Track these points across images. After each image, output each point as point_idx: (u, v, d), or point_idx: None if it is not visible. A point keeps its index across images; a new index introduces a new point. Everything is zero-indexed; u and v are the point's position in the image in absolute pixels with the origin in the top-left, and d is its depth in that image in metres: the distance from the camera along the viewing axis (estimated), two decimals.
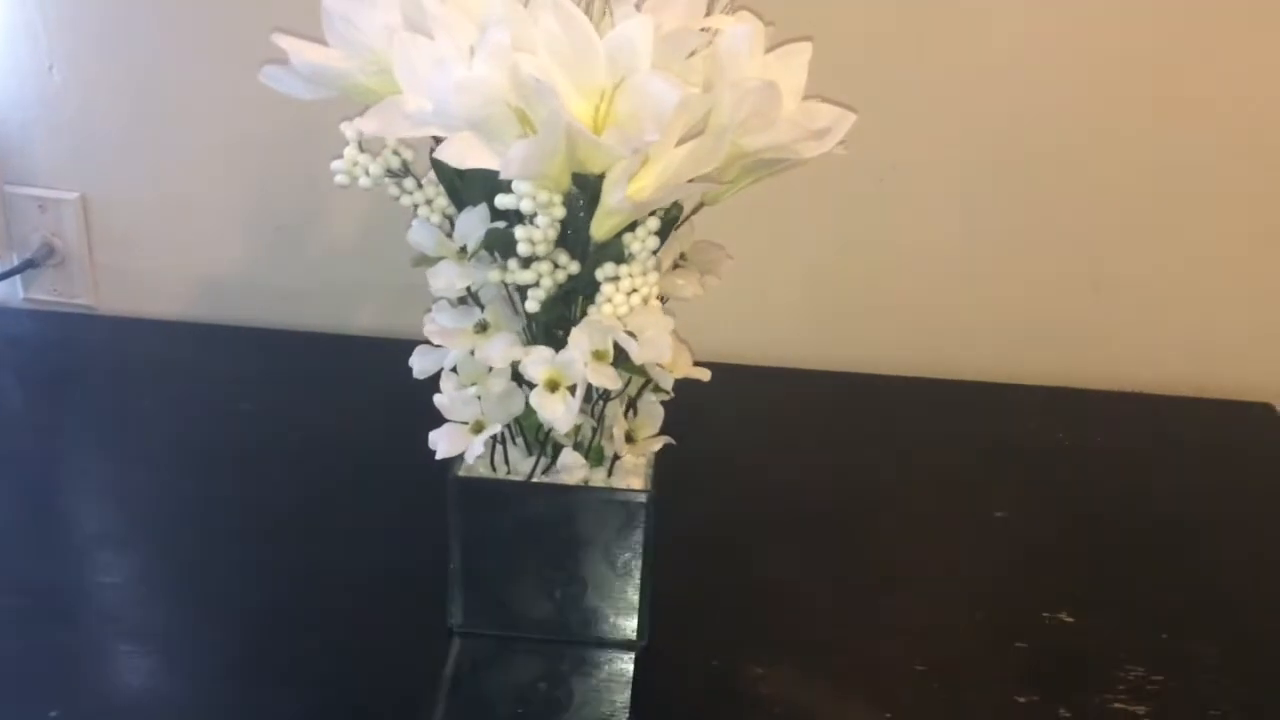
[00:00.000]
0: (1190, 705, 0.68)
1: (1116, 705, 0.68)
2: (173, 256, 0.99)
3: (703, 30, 0.56)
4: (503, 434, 0.66)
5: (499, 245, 0.60)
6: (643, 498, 0.65)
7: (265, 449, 0.86)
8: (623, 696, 0.67)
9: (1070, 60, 0.88)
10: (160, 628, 0.71)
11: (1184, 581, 0.78)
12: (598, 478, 0.66)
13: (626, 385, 0.65)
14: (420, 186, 0.64)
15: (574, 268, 0.60)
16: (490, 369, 0.63)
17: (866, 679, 0.69)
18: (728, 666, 0.69)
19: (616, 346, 0.60)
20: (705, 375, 0.64)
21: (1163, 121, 0.90)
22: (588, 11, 0.56)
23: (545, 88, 0.51)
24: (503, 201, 0.57)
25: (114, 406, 0.91)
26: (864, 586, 0.77)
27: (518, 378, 0.63)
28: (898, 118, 0.89)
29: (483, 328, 0.63)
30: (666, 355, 0.59)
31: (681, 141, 0.56)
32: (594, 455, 0.67)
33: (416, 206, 0.64)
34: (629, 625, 0.69)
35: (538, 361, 0.60)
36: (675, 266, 0.66)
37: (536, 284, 0.59)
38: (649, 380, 0.65)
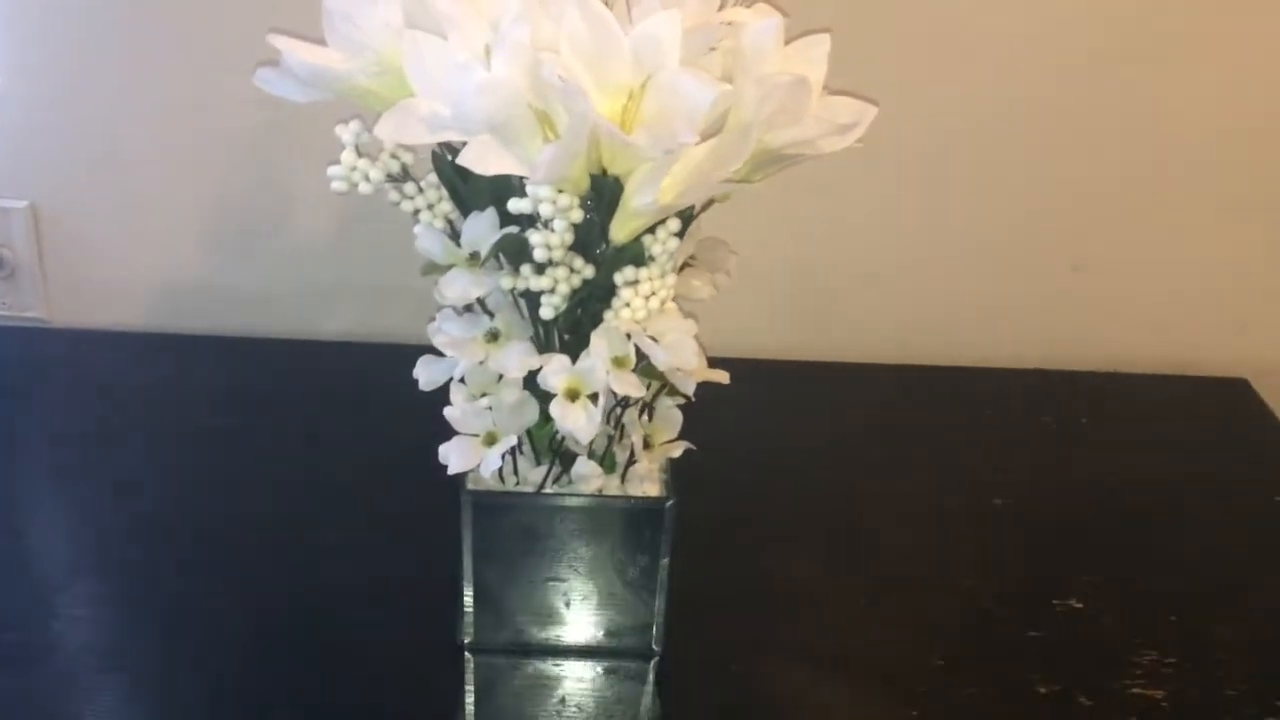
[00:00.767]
0: (1206, 687, 0.69)
1: (1135, 690, 0.68)
2: (130, 264, 0.95)
3: (726, 24, 0.54)
4: None
5: (510, 250, 0.58)
6: (664, 504, 0.63)
7: (242, 465, 0.82)
8: (643, 707, 0.66)
9: (1047, 45, 0.88)
10: (141, 659, 0.67)
11: (1182, 561, 0.79)
12: (612, 485, 0.65)
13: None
14: (421, 191, 0.61)
15: (589, 272, 0.58)
16: (500, 378, 0.61)
17: (887, 677, 0.69)
18: (746, 671, 0.68)
19: (637, 351, 0.59)
20: (724, 378, 0.62)
21: (1139, 105, 0.90)
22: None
23: (573, 88, 0.49)
24: (517, 206, 0.55)
25: (73, 426, 0.86)
26: (873, 582, 0.76)
27: (529, 386, 0.61)
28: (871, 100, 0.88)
29: (493, 336, 0.61)
30: (693, 360, 0.58)
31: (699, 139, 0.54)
32: (607, 463, 0.65)
33: (418, 211, 0.61)
34: (646, 634, 0.67)
35: (557, 370, 0.58)
36: (685, 267, 0.65)
37: (552, 290, 0.57)
38: (665, 384, 0.63)
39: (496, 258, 0.59)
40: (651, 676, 0.67)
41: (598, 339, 0.58)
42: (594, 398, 0.58)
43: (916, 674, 0.69)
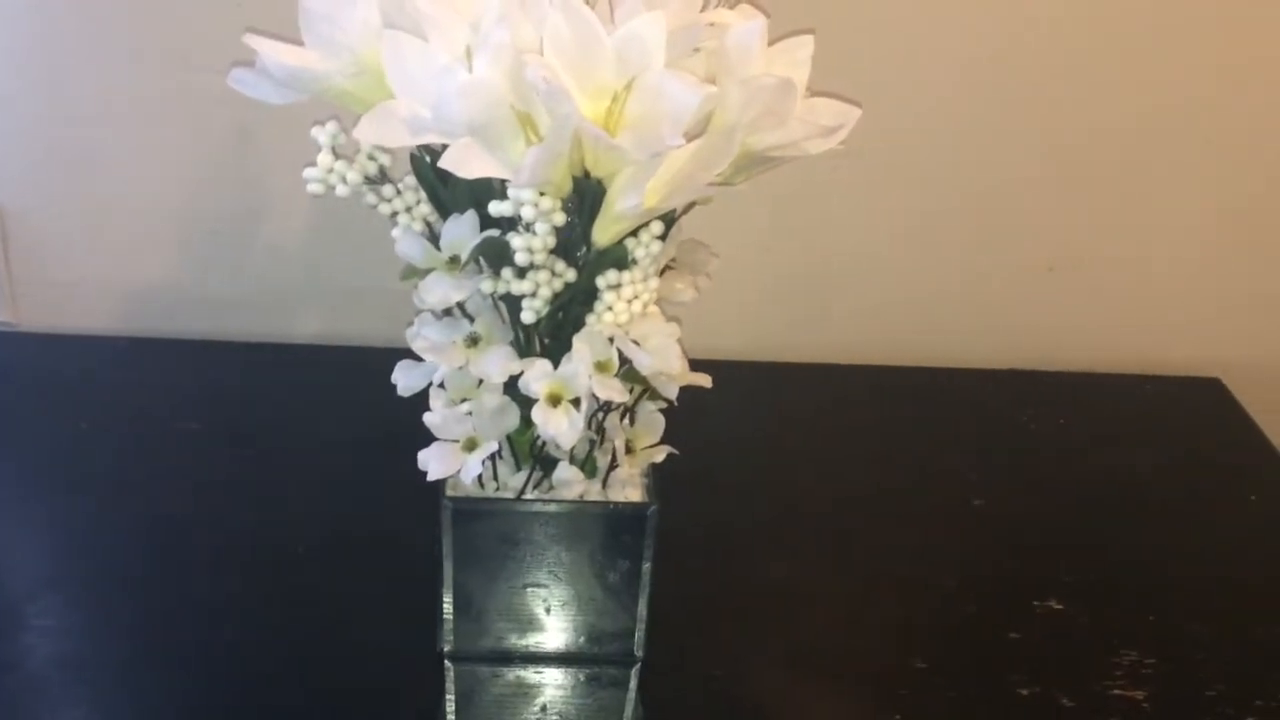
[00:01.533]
0: (1186, 686, 0.69)
1: (1116, 692, 0.68)
2: (98, 266, 0.93)
3: (709, 25, 0.54)
4: None
5: (490, 254, 0.57)
6: (647, 510, 0.63)
7: (215, 470, 0.81)
8: (626, 713, 0.66)
9: (1023, 45, 0.88)
10: (113, 673, 0.66)
11: (1160, 560, 0.79)
12: (593, 490, 0.64)
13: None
14: (399, 193, 0.60)
15: (571, 275, 0.57)
16: (481, 383, 0.60)
17: (869, 681, 0.69)
18: (729, 676, 0.68)
19: (619, 355, 0.58)
20: (707, 381, 0.62)
21: (1114, 106, 0.90)
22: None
23: (557, 90, 0.48)
24: (498, 208, 0.54)
25: (42, 432, 0.84)
26: (853, 585, 0.76)
27: (510, 391, 0.61)
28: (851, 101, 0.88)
29: (473, 341, 0.60)
30: (677, 365, 0.57)
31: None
32: (588, 468, 0.64)
33: (396, 214, 0.60)
34: (629, 640, 0.67)
35: (539, 375, 0.58)
36: (666, 269, 0.64)
37: (534, 294, 0.56)
38: (647, 388, 0.62)
39: (476, 261, 0.59)
40: (634, 683, 0.67)
41: (580, 343, 0.57)
42: (576, 403, 0.58)
43: (898, 677, 0.69)
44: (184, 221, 0.92)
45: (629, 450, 0.63)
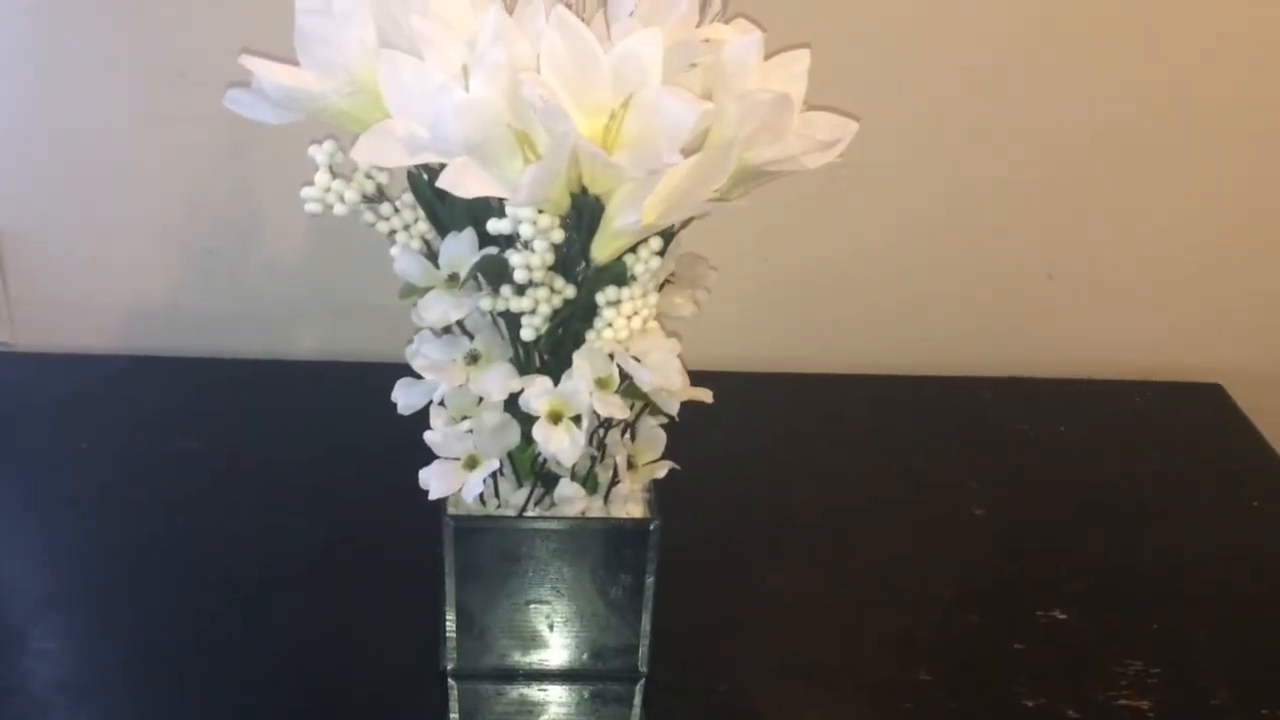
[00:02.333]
0: (1191, 695, 0.69)
1: (1121, 702, 0.68)
2: (95, 285, 0.93)
3: (704, 41, 0.54)
4: None
5: (489, 271, 0.57)
6: (649, 526, 0.63)
7: (215, 489, 0.81)
8: None
9: (1021, 52, 0.88)
10: (113, 697, 0.66)
11: (1160, 567, 0.79)
12: (595, 506, 0.64)
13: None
14: (397, 211, 0.60)
15: (570, 292, 0.57)
16: (481, 401, 0.60)
17: (873, 694, 0.68)
18: (733, 690, 0.68)
19: (620, 372, 0.58)
20: (708, 396, 0.62)
21: (1112, 114, 0.90)
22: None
23: (554, 109, 0.48)
24: (497, 226, 0.54)
25: (40, 452, 0.84)
26: (856, 597, 0.76)
27: (510, 408, 0.60)
28: (844, 109, 0.88)
29: (473, 358, 0.60)
30: (678, 380, 0.57)
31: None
32: (590, 484, 0.64)
33: (394, 232, 0.60)
34: (633, 656, 0.66)
35: (540, 393, 0.57)
36: (665, 284, 0.64)
37: (533, 311, 0.56)
38: (647, 404, 0.62)
39: (475, 278, 0.58)
40: (639, 699, 0.67)
41: (580, 360, 0.57)
42: (577, 420, 0.58)
43: (902, 689, 0.68)
44: (181, 239, 0.92)
45: (631, 466, 0.63)
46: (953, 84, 0.89)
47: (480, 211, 0.56)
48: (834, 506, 0.83)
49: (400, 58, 0.51)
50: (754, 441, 0.89)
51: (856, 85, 0.88)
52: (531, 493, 0.63)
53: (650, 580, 0.64)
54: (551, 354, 0.60)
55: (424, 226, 0.60)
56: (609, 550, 0.64)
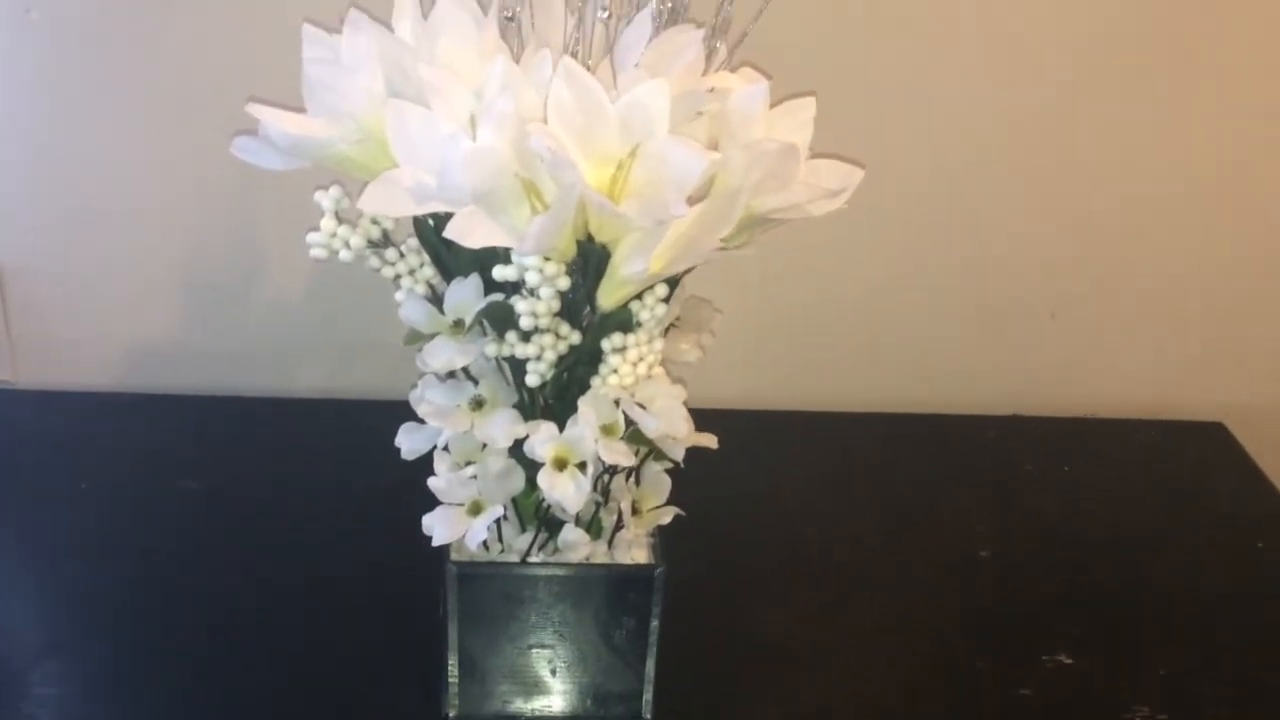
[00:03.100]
0: None
1: None
2: (97, 323, 0.93)
3: (710, 90, 0.54)
4: None
5: (494, 317, 0.57)
6: (653, 572, 0.62)
7: (216, 529, 0.80)
8: None
9: (1021, 94, 0.88)
10: None
11: (1167, 611, 0.79)
12: (599, 552, 0.64)
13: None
14: (402, 256, 0.60)
15: (575, 338, 0.57)
16: (485, 446, 0.60)
17: None
18: None
19: (625, 418, 0.58)
20: (713, 442, 0.61)
21: (1113, 153, 0.91)
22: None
23: (561, 159, 0.48)
24: (503, 273, 0.54)
25: (41, 490, 0.83)
26: (862, 641, 0.75)
27: (514, 453, 0.60)
28: (848, 152, 0.88)
29: (478, 404, 0.60)
30: (683, 427, 0.57)
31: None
32: (594, 529, 0.64)
33: (399, 277, 0.60)
34: (636, 702, 0.66)
35: (545, 439, 0.57)
36: (670, 329, 0.64)
37: (539, 357, 0.56)
38: (652, 449, 0.62)
39: (480, 324, 0.58)
40: None
41: (585, 406, 0.57)
42: (582, 466, 0.57)
43: None
44: (184, 277, 0.92)
45: (635, 511, 0.63)
46: (957, 124, 0.89)
47: (486, 257, 0.56)
48: (838, 548, 0.83)
49: (408, 107, 0.52)
50: (757, 480, 0.88)
51: (861, 127, 0.88)
52: (535, 538, 0.63)
53: (655, 625, 0.64)
54: (556, 400, 0.60)
55: (429, 272, 0.60)
56: (613, 596, 0.63)
